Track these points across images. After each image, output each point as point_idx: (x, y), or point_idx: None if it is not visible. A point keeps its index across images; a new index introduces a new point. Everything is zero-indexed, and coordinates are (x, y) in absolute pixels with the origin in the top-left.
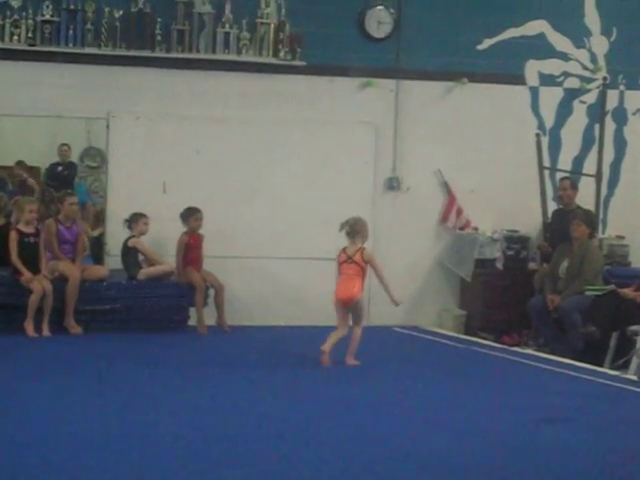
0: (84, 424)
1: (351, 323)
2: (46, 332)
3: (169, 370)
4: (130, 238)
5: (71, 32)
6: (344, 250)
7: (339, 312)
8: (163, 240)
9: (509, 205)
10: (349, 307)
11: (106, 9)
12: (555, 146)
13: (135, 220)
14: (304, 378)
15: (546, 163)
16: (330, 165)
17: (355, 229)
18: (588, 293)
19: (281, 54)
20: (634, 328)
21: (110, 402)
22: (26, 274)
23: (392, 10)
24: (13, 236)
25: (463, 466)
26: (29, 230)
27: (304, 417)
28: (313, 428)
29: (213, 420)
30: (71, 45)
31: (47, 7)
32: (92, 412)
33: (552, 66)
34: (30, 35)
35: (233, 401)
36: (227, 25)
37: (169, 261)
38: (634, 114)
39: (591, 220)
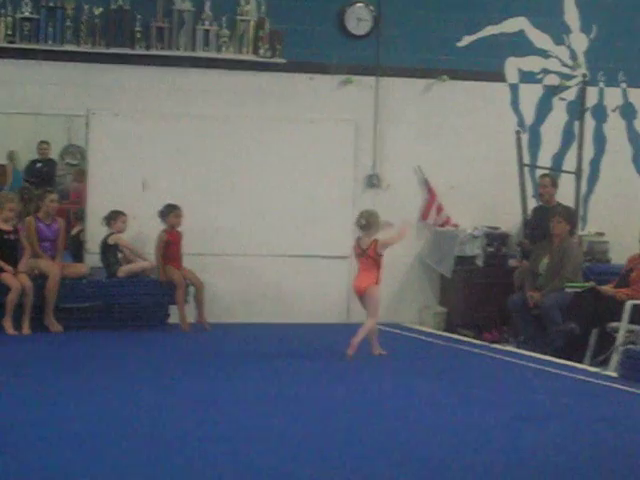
0: (63, 423)
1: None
2: (26, 330)
3: (152, 368)
4: (110, 235)
5: (51, 29)
6: (358, 242)
7: (361, 304)
8: (143, 238)
9: (489, 202)
10: (363, 298)
11: (86, 6)
12: (535, 143)
13: (114, 218)
14: (287, 376)
15: (526, 160)
16: (310, 162)
17: (370, 222)
18: (568, 290)
19: (261, 51)
20: (614, 325)
21: (90, 400)
22: (8, 268)
23: (372, 7)
24: None
25: (443, 463)
26: (8, 227)
27: (287, 416)
28: (296, 427)
29: (196, 418)
30: (51, 42)
31: (26, 4)
32: (72, 411)
33: (532, 63)
34: (9, 32)
35: (216, 399)
36: (207, 22)
37: (148, 259)
38: (614, 111)
39: (571, 217)
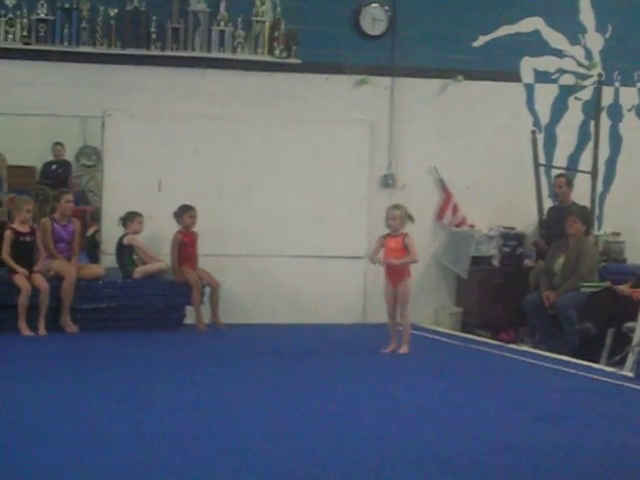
0: (80, 424)
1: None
2: (42, 331)
3: (167, 368)
4: (124, 236)
5: (66, 31)
6: (387, 237)
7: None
8: (158, 238)
9: (505, 202)
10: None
11: (101, 7)
12: (550, 143)
13: (130, 219)
14: (302, 375)
15: (542, 160)
16: (325, 163)
17: (403, 216)
18: (584, 290)
19: (276, 52)
20: (630, 325)
21: (107, 401)
22: (22, 270)
23: (387, 7)
24: (8, 235)
25: (459, 463)
26: (25, 229)
27: (303, 414)
28: (312, 426)
29: (215, 417)
30: (66, 44)
31: (42, 6)
32: (89, 411)
33: (547, 63)
34: (25, 34)
35: (233, 398)
36: (222, 23)
37: (164, 259)
38: (629, 110)
39: (587, 217)
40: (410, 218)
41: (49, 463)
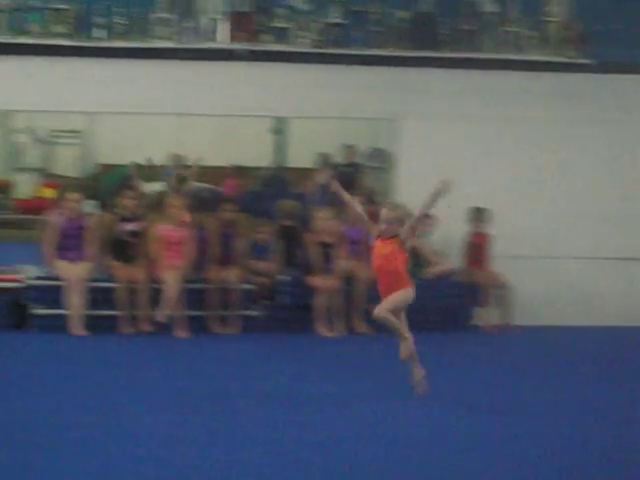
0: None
1: None
2: (337, 332)
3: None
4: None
5: (357, 34)
6: None
7: None
8: (449, 240)
9: None
10: None
11: (392, 11)
12: None
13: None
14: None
15: None
16: (624, 163)
17: None
18: None
19: (567, 52)
20: None
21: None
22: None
23: None
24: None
25: None
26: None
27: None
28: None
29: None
30: (357, 47)
31: (334, 10)
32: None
33: None
34: (317, 38)
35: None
36: (512, 24)
37: (452, 261)
38: None
39: None
40: None
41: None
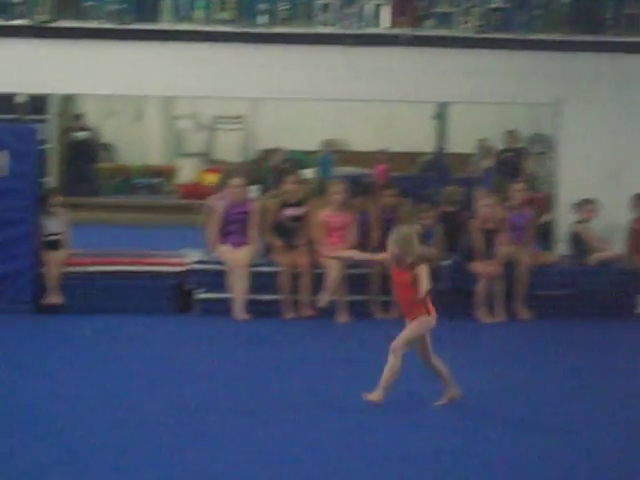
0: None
1: None
2: (498, 317)
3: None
4: (576, 223)
5: (520, 18)
6: None
7: None
8: (612, 227)
9: None
10: None
11: None
12: None
13: (582, 206)
14: None
15: None
16: None
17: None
18: None
19: None
20: None
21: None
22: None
23: None
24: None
25: None
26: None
27: None
28: None
29: None
30: (520, 31)
31: None
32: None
33: None
34: (479, 23)
35: None
36: None
37: (616, 248)
38: None
39: None
40: None
41: None
